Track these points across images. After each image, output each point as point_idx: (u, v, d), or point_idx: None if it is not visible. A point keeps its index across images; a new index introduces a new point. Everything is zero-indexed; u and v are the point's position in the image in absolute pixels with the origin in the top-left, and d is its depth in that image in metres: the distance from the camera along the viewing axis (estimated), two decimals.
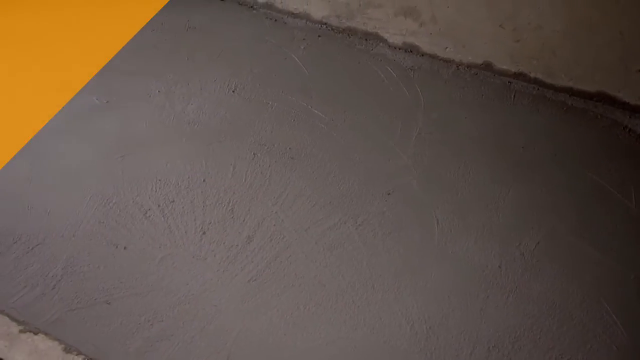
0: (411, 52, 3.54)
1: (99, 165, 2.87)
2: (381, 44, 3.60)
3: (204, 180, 2.79)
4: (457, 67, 3.45)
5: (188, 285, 2.41)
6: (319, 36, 3.68)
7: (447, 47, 3.45)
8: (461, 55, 3.44)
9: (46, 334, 2.28)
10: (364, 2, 3.53)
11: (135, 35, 3.68)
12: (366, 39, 3.64)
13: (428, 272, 2.48)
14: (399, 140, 3.00)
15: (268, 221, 2.62)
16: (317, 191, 2.75)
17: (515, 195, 2.76)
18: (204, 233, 2.58)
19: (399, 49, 3.57)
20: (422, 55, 3.53)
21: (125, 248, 2.53)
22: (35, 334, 2.27)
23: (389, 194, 2.75)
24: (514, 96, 3.27)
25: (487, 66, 3.41)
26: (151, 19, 3.81)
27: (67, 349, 2.25)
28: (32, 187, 2.77)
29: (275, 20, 3.81)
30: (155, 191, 2.74)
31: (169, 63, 3.46)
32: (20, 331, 2.28)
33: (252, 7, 3.92)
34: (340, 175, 2.82)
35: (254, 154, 2.92)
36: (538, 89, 3.31)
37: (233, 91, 3.27)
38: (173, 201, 2.70)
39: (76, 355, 2.23)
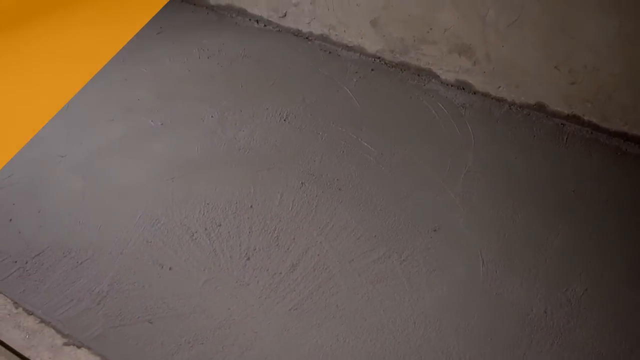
0: (463, 89, 3.54)
1: (150, 185, 2.93)
2: (434, 80, 3.61)
3: (251, 206, 2.82)
4: (510, 106, 3.43)
5: (230, 310, 2.43)
6: (372, 70, 3.71)
7: (500, 86, 3.44)
8: (514, 94, 3.42)
9: (89, 349, 2.31)
10: (418, 38, 3.55)
11: (191, 61, 3.78)
12: (419, 75, 3.65)
13: (471, 312, 2.45)
14: (448, 177, 2.98)
15: (312, 251, 2.63)
16: (363, 224, 2.75)
17: (564, 239, 2.71)
18: (248, 259, 2.59)
19: (452, 85, 3.57)
20: (475, 93, 3.52)
21: (170, 269, 2.56)
22: (79, 347, 2.31)
23: (435, 230, 2.73)
24: (567, 138, 3.23)
25: (540, 107, 3.38)
26: (208, 46, 3.90)
27: None
28: (85, 203, 2.84)
29: (330, 52, 3.86)
30: (203, 214, 2.78)
31: (223, 89, 3.53)
32: (64, 344, 2.32)
33: (307, 38, 3.98)
34: (387, 209, 2.82)
35: (301, 183, 2.94)
36: (592, 132, 3.27)
37: (284, 120, 3.31)
38: (220, 225, 2.73)
39: None
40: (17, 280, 2.51)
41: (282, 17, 4.04)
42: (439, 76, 3.61)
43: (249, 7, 4.17)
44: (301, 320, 2.40)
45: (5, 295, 2.40)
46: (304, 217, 2.77)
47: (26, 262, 2.57)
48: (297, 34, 4.03)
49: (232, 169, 3.02)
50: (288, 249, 2.64)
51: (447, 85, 3.58)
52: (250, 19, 4.20)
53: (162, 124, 3.29)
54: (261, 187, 2.92)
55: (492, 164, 3.06)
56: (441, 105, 3.42)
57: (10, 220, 2.75)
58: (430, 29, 3.48)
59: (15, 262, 2.58)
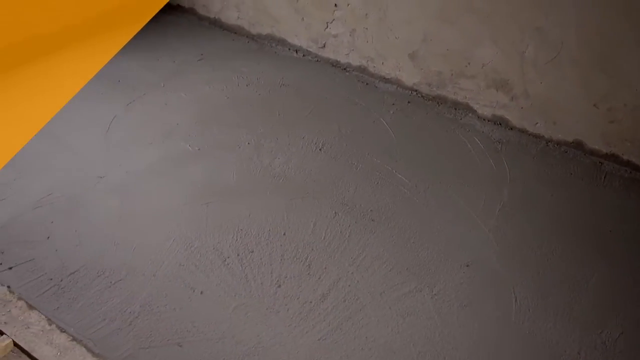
0: (500, 124, 3.53)
1: (185, 209, 2.97)
2: (470, 114, 3.61)
3: (284, 234, 2.83)
4: (547, 143, 3.41)
5: (259, 336, 2.43)
6: (408, 102, 3.72)
7: (537, 123, 3.42)
8: (551, 131, 3.40)
9: None
10: (456, 72, 3.56)
11: (230, 88, 3.84)
12: (455, 109, 3.65)
13: (503, 351, 2.41)
14: (482, 213, 2.97)
15: (344, 281, 2.62)
16: (395, 256, 2.74)
17: (599, 280, 2.67)
18: (279, 286, 2.60)
19: (488, 120, 3.56)
20: (511, 128, 3.51)
21: (201, 293, 2.58)
22: None
23: (467, 265, 2.71)
24: (605, 177, 3.19)
25: (578, 145, 3.35)
26: (247, 74, 3.96)
27: None
28: (121, 224, 2.88)
29: (367, 83, 3.89)
30: (236, 240, 2.80)
31: (260, 117, 3.57)
32: None
33: (345, 69, 4.02)
34: (420, 242, 2.81)
35: (335, 212, 2.95)
36: (630, 172, 3.23)
37: (320, 149, 3.33)
38: (252, 251, 2.75)
39: None
40: (52, 297, 2.54)
41: (321, 47, 4.09)
42: (475, 111, 3.60)
43: (289, 37, 4.23)
44: (330, 351, 2.39)
45: (40, 312, 2.43)
46: (337, 246, 2.78)
47: (61, 280, 2.61)
48: (336, 64, 4.07)
49: (266, 195, 3.05)
50: (319, 278, 2.64)
51: (484, 120, 3.57)
52: (289, 49, 4.26)
53: (199, 149, 3.34)
54: (295, 215, 2.93)
55: (528, 201, 3.04)
56: (477, 140, 3.41)
57: (48, 237, 2.80)
58: (469, 63, 3.49)
59: (51, 279, 2.62)
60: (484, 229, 2.88)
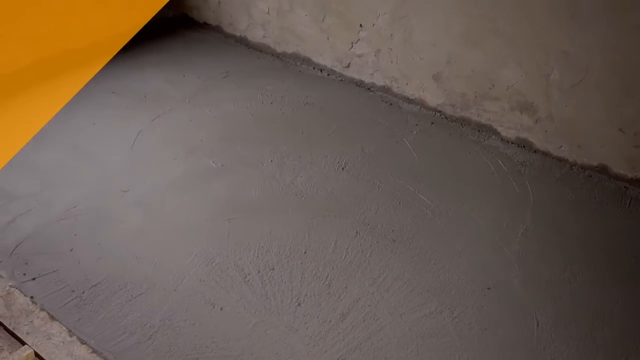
0: (524, 147, 3.52)
1: (207, 225, 2.99)
2: (494, 136, 3.60)
3: (304, 252, 2.83)
4: (571, 167, 3.39)
5: (278, 354, 2.42)
6: (432, 123, 3.72)
7: (561, 146, 3.40)
8: (576, 155, 3.38)
9: None
10: (480, 94, 3.56)
11: (254, 106, 3.87)
12: (479, 130, 3.65)
13: None
14: (504, 235, 2.94)
15: (363, 301, 2.61)
16: (416, 277, 2.73)
17: (623, 307, 2.63)
18: (299, 304, 2.60)
19: (512, 143, 3.55)
20: (535, 151, 3.49)
21: (221, 309, 2.58)
22: None
23: (489, 288, 2.69)
24: (630, 203, 3.16)
25: (603, 169, 3.32)
26: (272, 92, 3.99)
27: None
28: (143, 238, 2.91)
29: (391, 103, 3.90)
30: (257, 257, 2.81)
31: (284, 135, 3.59)
32: None
33: (369, 89, 4.04)
34: (441, 263, 2.79)
35: (356, 232, 2.95)
36: None
37: (342, 168, 3.34)
38: (273, 269, 2.75)
39: None
40: (73, 309, 2.56)
41: (346, 67, 4.12)
42: (499, 133, 3.59)
43: (314, 56, 4.27)
44: None
45: (61, 323, 2.45)
46: (357, 266, 2.77)
47: (83, 292, 2.64)
48: (360, 84, 4.09)
49: (288, 213, 3.05)
50: (339, 297, 2.63)
51: (508, 142, 3.56)
52: (314, 68, 4.29)
53: (222, 166, 3.36)
54: (316, 234, 2.93)
55: (551, 225, 3.01)
56: (500, 162, 3.40)
57: (72, 250, 2.83)
58: (493, 85, 3.49)
59: (73, 291, 2.64)
60: (506, 252, 2.86)
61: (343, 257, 2.82)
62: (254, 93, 4.01)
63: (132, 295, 2.63)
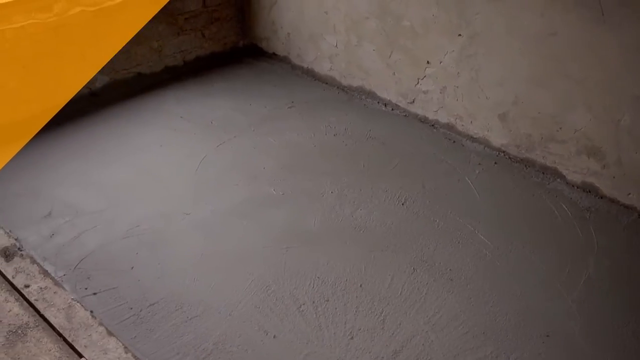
0: (590, 192, 3.43)
1: (265, 252, 3.01)
2: (558, 179, 3.53)
3: (360, 286, 2.82)
4: (639, 215, 3.28)
5: None
6: (495, 163, 3.68)
7: (630, 193, 3.31)
8: None
9: None
10: (546, 136, 3.51)
11: (318, 137, 3.91)
12: (543, 173, 3.58)
13: None
14: (565, 282, 2.87)
15: (417, 339, 2.58)
16: (472, 318, 2.67)
17: None
18: (352, 338, 2.58)
19: (577, 187, 3.47)
20: (602, 197, 3.40)
21: (274, 337, 2.59)
22: None
23: (547, 336, 2.61)
24: None
25: None
26: (336, 124, 4.03)
27: None
28: (202, 261, 2.95)
29: (454, 141, 3.88)
30: (313, 287, 2.81)
31: (345, 167, 3.61)
32: None
33: (433, 125, 4.03)
34: (499, 306, 2.73)
35: (413, 268, 2.92)
36: None
37: (402, 204, 3.33)
38: (327, 300, 2.75)
39: None
40: (131, 326, 2.62)
41: (410, 102, 4.12)
42: (564, 176, 3.52)
43: (379, 90, 4.29)
44: None
45: (118, 339, 2.50)
46: (413, 303, 2.74)
47: (140, 310, 2.69)
48: (424, 120, 4.09)
49: (346, 245, 3.05)
50: (393, 333, 2.60)
51: (573, 186, 3.49)
52: (378, 102, 4.31)
53: (283, 194, 3.40)
54: (373, 268, 2.92)
55: (615, 274, 2.92)
56: (564, 207, 3.33)
57: (132, 268, 2.90)
58: (560, 128, 3.43)
59: (131, 308, 2.70)
60: (566, 299, 2.78)
61: (399, 293, 2.79)
62: (317, 124, 4.06)
63: (187, 317, 2.67)
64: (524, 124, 3.59)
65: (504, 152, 3.75)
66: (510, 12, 3.38)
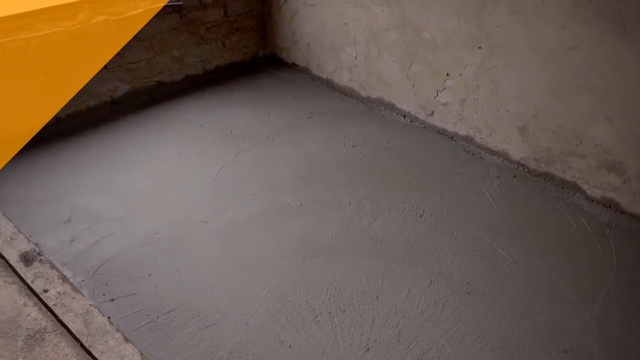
0: (610, 207, 3.40)
1: (282, 261, 3.02)
2: (578, 194, 3.50)
3: (377, 297, 2.81)
4: None
5: None
6: (514, 176, 3.66)
7: None
8: None
9: None
10: (566, 150, 3.48)
11: (336, 148, 3.91)
12: (563, 187, 3.56)
13: None
14: (584, 297, 2.84)
15: (434, 352, 2.56)
16: (489, 332, 2.65)
17: None
18: (367, 349, 2.57)
19: (597, 202, 3.44)
20: (622, 212, 3.37)
21: (290, 346, 2.58)
22: None
23: (565, 352, 2.58)
24: None
25: None
26: (354, 135, 4.03)
27: None
28: (219, 269, 2.96)
29: (473, 154, 3.86)
30: (329, 298, 2.81)
31: (363, 178, 3.61)
32: None
33: (452, 138, 4.02)
34: (516, 320, 2.71)
35: (430, 281, 2.91)
36: None
37: (420, 216, 3.32)
38: (344, 311, 2.74)
39: None
40: (147, 332, 2.63)
41: (429, 115, 4.12)
42: (584, 191, 3.49)
43: (398, 102, 4.29)
44: None
45: (134, 345, 2.51)
46: (429, 316, 2.73)
47: (157, 317, 2.70)
48: (442, 132, 4.08)
49: (363, 257, 3.05)
50: (409, 346, 2.59)
51: (592, 201, 3.46)
52: (397, 114, 4.31)
53: (300, 204, 3.40)
54: (389, 280, 2.91)
55: (635, 290, 2.88)
56: (584, 221, 3.30)
57: (150, 275, 2.91)
58: (580, 142, 3.41)
59: (148, 315, 2.71)
60: (585, 315, 2.75)
61: (415, 305, 2.78)
62: (336, 135, 4.06)
63: (204, 325, 2.67)
64: (543, 137, 3.57)
65: (523, 165, 3.73)
66: (530, 25, 3.37)
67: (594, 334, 2.66)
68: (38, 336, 2.50)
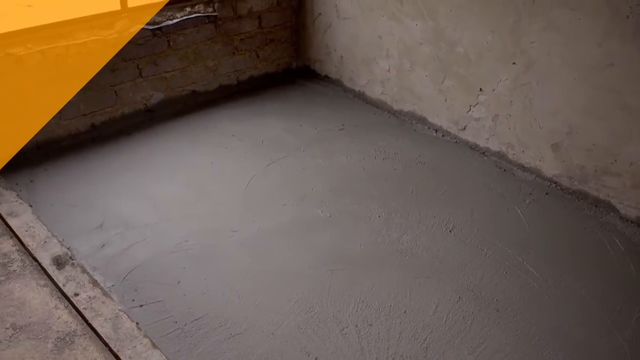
0: None
1: (310, 273, 3.02)
2: (612, 213, 3.45)
3: (404, 312, 2.80)
4: None
5: None
6: (546, 193, 3.62)
7: None
8: None
9: None
10: (600, 168, 3.43)
11: (367, 160, 3.91)
12: (596, 206, 3.51)
13: None
14: (617, 319, 2.78)
15: None
16: (518, 352, 2.62)
17: None
18: None
19: (631, 222, 3.38)
20: None
21: (316, 358, 2.58)
22: None
23: None
24: None
25: None
26: (385, 148, 4.03)
27: None
28: (247, 279, 2.97)
29: (505, 170, 3.83)
30: (356, 311, 2.80)
31: (394, 192, 3.60)
32: None
33: (483, 153, 3.99)
34: (545, 341, 2.67)
35: (459, 297, 2.88)
36: None
37: (450, 231, 3.29)
38: (371, 325, 2.73)
39: None
40: (175, 339, 2.64)
41: (462, 129, 4.10)
42: (618, 210, 3.44)
43: (430, 116, 4.28)
44: None
45: (162, 352, 2.52)
46: (457, 332, 2.70)
47: (185, 324, 2.72)
48: (474, 147, 4.05)
49: (391, 270, 3.04)
50: None
51: (627, 220, 3.40)
52: (429, 128, 4.30)
53: (330, 216, 3.40)
54: (417, 294, 2.89)
55: None
56: (617, 241, 3.24)
57: (179, 282, 2.94)
58: (615, 160, 3.36)
59: (176, 322, 2.73)
60: (617, 337, 2.70)
61: (443, 321, 2.76)
62: (367, 148, 4.06)
63: (231, 334, 2.68)
64: (577, 155, 3.52)
65: (555, 182, 3.69)
66: (566, 41, 3.34)
67: (626, 357, 2.61)
68: (68, 339, 2.54)
